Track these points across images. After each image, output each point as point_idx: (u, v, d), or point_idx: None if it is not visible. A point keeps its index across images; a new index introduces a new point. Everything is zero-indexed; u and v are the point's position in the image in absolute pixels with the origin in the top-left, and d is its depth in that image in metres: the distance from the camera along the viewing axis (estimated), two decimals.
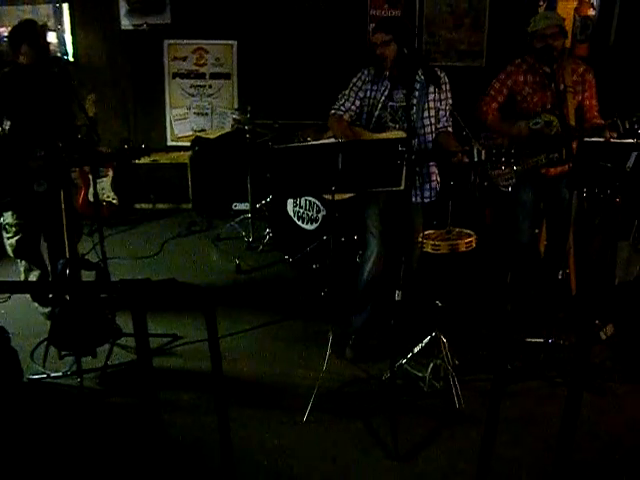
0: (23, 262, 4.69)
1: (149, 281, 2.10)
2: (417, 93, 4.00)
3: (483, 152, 3.63)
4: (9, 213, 4.49)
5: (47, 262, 4.74)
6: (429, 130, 4.10)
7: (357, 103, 4.15)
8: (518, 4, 7.04)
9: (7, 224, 4.52)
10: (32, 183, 4.22)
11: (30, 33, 4.29)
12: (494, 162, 3.66)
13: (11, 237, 4.57)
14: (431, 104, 4.07)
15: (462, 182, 4.61)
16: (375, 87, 4.11)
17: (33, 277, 4.69)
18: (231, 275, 5.80)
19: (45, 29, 4.53)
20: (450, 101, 4.14)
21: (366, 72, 4.15)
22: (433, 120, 4.10)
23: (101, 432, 3.67)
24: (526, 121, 4.42)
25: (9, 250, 4.65)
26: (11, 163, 4.19)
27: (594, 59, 6.43)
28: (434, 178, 4.20)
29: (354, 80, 4.18)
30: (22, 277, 4.73)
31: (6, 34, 6.94)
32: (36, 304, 4.78)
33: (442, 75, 4.07)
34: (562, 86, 4.37)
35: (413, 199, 4.07)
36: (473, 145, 3.70)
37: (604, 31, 6.84)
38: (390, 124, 4.09)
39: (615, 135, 4.10)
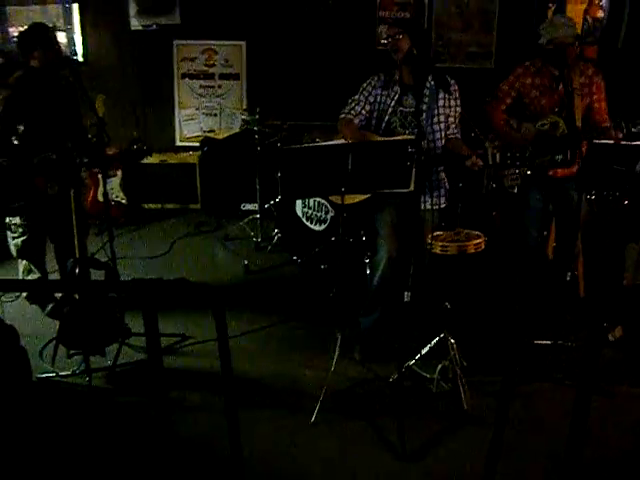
0: (24, 263, 4.71)
1: (161, 280, 2.11)
2: (427, 99, 4.03)
3: (498, 155, 3.62)
4: None
5: (53, 263, 4.76)
6: (439, 136, 4.12)
7: (367, 108, 4.17)
8: (527, 6, 7.04)
9: (14, 224, 4.54)
10: (45, 187, 4.24)
11: (43, 38, 4.29)
12: (509, 165, 3.66)
13: (17, 237, 4.58)
14: (441, 110, 4.09)
15: (471, 184, 4.62)
16: (385, 92, 4.14)
17: (29, 279, 4.71)
18: (239, 275, 5.81)
19: (55, 31, 4.54)
20: (459, 109, 4.15)
21: (376, 78, 4.20)
22: (443, 126, 4.11)
23: (110, 431, 3.68)
24: (532, 123, 4.42)
25: (13, 250, 4.67)
26: (23, 168, 4.21)
27: (603, 61, 6.42)
28: (444, 185, 4.24)
29: (364, 85, 4.21)
30: (21, 278, 4.74)
31: (16, 34, 7.02)
32: (34, 307, 4.79)
33: (452, 82, 4.07)
34: (569, 88, 4.37)
35: (425, 206, 4.08)
36: (487, 148, 3.69)
37: (613, 33, 6.83)
38: (399, 129, 4.11)
39: (621, 135, 4.10)
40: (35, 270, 4.70)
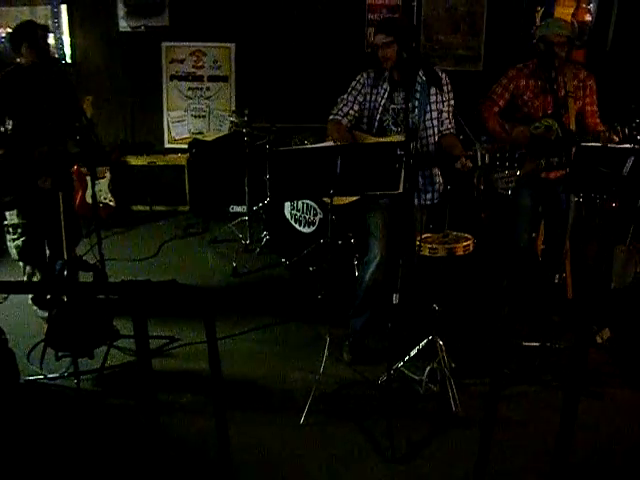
0: (27, 265, 4.66)
1: (150, 282, 2.10)
2: (418, 95, 3.99)
3: (487, 156, 3.63)
4: (14, 214, 4.46)
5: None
6: (432, 132, 4.08)
7: (356, 107, 4.12)
8: (515, 9, 7.07)
9: (12, 225, 4.49)
10: (36, 180, 4.23)
11: (30, 34, 4.30)
12: (498, 166, 3.67)
13: (16, 239, 4.54)
14: (433, 106, 4.05)
15: (460, 186, 4.62)
16: (375, 90, 4.08)
17: (35, 279, 4.67)
18: (228, 277, 5.81)
19: (46, 30, 4.53)
20: (452, 102, 4.11)
21: (365, 75, 4.12)
22: (436, 122, 4.08)
23: (98, 434, 3.67)
24: (526, 126, 4.43)
25: (14, 252, 4.61)
26: (14, 161, 4.20)
27: (591, 64, 6.44)
28: (437, 180, 4.20)
29: (353, 84, 4.14)
30: (25, 280, 4.71)
31: (4, 35, 7.00)
32: (35, 307, 4.76)
33: (443, 76, 4.06)
34: (563, 91, 4.39)
35: (416, 201, 4.07)
36: (477, 149, 3.70)
37: (601, 37, 6.86)
38: (392, 127, 4.07)
39: (616, 139, 4.12)
40: (37, 272, 4.66)
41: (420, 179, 4.08)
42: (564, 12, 6.79)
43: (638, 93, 5.93)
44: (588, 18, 6.88)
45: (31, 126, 4.27)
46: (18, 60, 4.34)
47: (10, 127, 4.23)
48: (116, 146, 5.20)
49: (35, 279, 4.64)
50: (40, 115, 4.31)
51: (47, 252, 4.68)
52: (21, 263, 4.64)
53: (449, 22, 7.32)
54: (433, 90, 4.02)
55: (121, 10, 7.42)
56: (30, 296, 4.79)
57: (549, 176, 4.51)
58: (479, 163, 3.67)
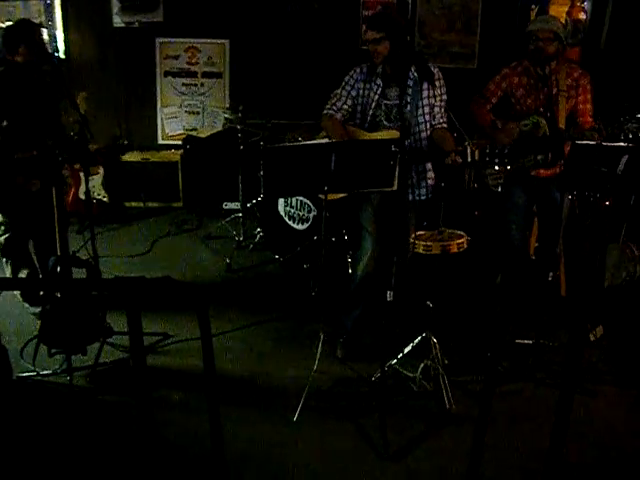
0: (10, 262, 4.66)
1: (144, 279, 2.10)
2: (411, 90, 3.97)
3: (476, 152, 3.63)
4: None
5: (34, 261, 4.73)
6: (424, 127, 4.07)
7: (349, 102, 4.13)
8: (510, 7, 7.08)
9: None
10: (24, 182, 4.22)
11: (27, 34, 4.27)
12: (487, 162, 3.67)
13: (0, 235, 4.54)
14: (425, 101, 4.04)
15: (454, 183, 4.62)
16: (368, 85, 4.08)
17: (22, 276, 4.66)
18: (221, 274, 5.80)
19: (40, 28, 4.51)
20: (445, 97, 4.09)
21: (358, 70, 4.12)
22: (428, 117, 4.07)
23: (91, 430, 3.66)
24: (516, 122, 4.43)
25: None
26: (3, 162, 4.19)
27: (585, 63, 6.45)
28: (430, 175, 4.19)
29: (346, 79, 4.15)
30: (9, 276, 4.70)
31: None
32: (26, 304, 4.75)
33: (436, 71, 4.04)
34: (555, 89, 4.39)
35: (410, 197, 4.06)
36: (466, 145, 3.70)
37: (595, 35, 6.87)
38: (385, 123, 4.07)
39: (596, 135, 4.12)
40: (23, 267, 4.65)
41: (413, 174, 4.08)
42: (559, 10, 6.80)
43: (632, 91, 5.94)
44: (583, 16, 6.88)
45: (23, 125, 4.25)
46: (10, 57, 4.30)
47: (4, 126, 4.21)
48: (101, 148, 5.18)
49: (22, 275, 4.64)
50: (32, 114, 4.30)
51: (32, 249, 4.69)
52: (4, 259, 4.64)
53: (444, 20, 7.32)
54: (425, 85, 4.01)
55: (115, 6, 7.39)
56: (18, 292, 4.78)
57: (539, 174, 4.52)
58: (469, 159, 3.67)
